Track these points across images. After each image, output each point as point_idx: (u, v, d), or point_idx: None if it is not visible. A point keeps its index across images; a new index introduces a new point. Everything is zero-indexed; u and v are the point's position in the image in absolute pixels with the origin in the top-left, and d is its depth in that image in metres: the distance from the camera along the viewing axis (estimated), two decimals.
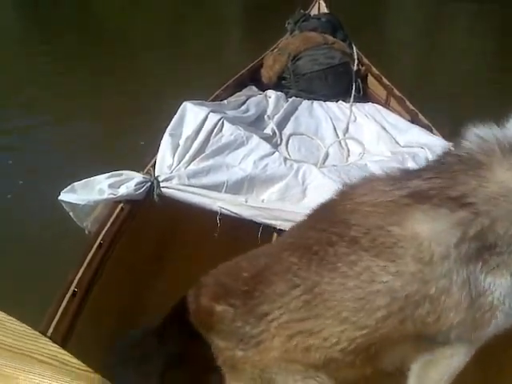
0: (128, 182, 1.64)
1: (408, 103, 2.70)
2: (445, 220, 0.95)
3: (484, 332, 1.04)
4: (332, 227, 1.07)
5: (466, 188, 0.95)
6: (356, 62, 3.22)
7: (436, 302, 0.97)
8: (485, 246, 0.94)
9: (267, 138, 2.20)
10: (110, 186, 1.63)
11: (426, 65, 6.26)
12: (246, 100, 2.60)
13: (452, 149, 1.11)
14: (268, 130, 2.37)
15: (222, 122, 1.98)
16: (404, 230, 0.98)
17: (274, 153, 1.93)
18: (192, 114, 1.99)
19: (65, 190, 1.63)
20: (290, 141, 2.36)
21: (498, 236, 0.93)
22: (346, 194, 1.13)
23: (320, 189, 1.75)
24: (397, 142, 2.30)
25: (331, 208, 1.13)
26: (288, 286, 1.07)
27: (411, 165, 1.94)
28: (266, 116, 2.53)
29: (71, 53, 6.39)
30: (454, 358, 1.16)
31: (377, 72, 3.20)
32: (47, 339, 0.89)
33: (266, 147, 1.96)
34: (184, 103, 2.05)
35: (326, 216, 1.12)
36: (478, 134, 1.03)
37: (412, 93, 3.18)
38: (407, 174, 1.09)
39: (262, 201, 1.69)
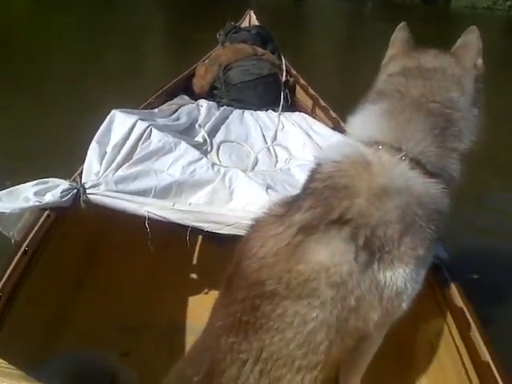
0: (54, 190, 1.64)
1: (331, 112, 2.87)
2: (336, 241, 1.04)
3: (396, 316, 1.18)
4: (250, 292, 1.09)
5: (341, 209, 1.05)
6: (284, 72, 3.38)
7: (358, 310, 1.07)
8: (375, 250, 1.05)
9: (198, 146, 2.27)
10: (36, 193, 1.63)
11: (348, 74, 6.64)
12: (178, 108, 2.66)
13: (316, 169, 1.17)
14: (199, 138, 2.44)
15: (151, 129, 2.02)
16: (309, 264, 1.05)
17: (201, 158, 2.00)
18: (120, 122, 2.01)
19: None
20: (221, 148, 2.43)
21: (382, 238, 1.05)
22: (246, 251, 1.15)
23: (245, 192, 1.84)
24: (320, 148, 2.44)
25: (241, 274, 1.14)
26: (238, 365, 1.07)
27: None
28: (197, 124, 2.59)
29: None
30: (374, 346, 1.31)
31: (304, 82, 3.37)
32: None
33: (194, 153, 2.02)
34: (112, 111, 2.07)
35: (240, 284, 1.13)
36: (331, 158, 1.13)
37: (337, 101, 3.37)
38: (289, 209, 1.14)
39: (189, 204, 1.75)
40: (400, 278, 1.08)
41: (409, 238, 1.07)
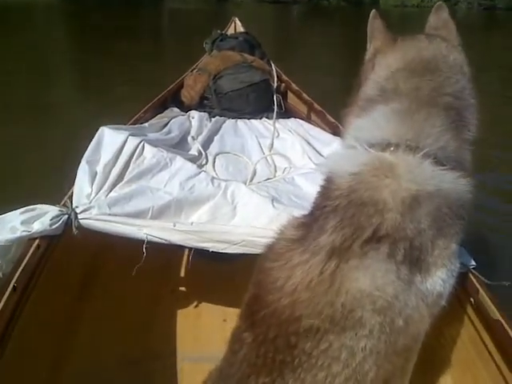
0: (42, 217, 1.51)
1: (328, 116, 2.77)
2: (376, 262, 0.94)
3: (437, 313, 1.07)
4: (282, 330, 0.96)
5: (373, 226, 0.94)
6: (276, 78, 3.28)
7: (408, 329, 0.97)
8: (414, 262, 0.95)
9: (193, 159, 2.15)
10: (23, 222, 1.49)
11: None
12: (169, 122, 2.54)
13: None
14: (193, 151, 2.32)
15: (143, 145, 1.89)
16: (350, 294, 0.94)
17: (200, 173, 1.87)
18: (110, 139, 1.88)
19: None
20: (217, 160, 2.32)
21: (419, 248, 0.95)
22: (269, 284, 1.01)
23: (250, 206, 1.72)
24: (320, 155, 2.34)
25: (267, 310, 1.00)
26: None
27: None
28: (189, 137, 2.48)
29: None
30: (418, 349, 1.18)
31: (296, 88, 3.28)
32: None
33: (191, 168, 1.90)
34: (101, 128, 1.93)
35: (269, 321, 0.99)
36: (349, 171, 1.01)
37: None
38: (307, 231, 1.01)
39: (191, 224, 1.62)
40: (439, 280, 0.99)
41: (441, 239, 0.98)
